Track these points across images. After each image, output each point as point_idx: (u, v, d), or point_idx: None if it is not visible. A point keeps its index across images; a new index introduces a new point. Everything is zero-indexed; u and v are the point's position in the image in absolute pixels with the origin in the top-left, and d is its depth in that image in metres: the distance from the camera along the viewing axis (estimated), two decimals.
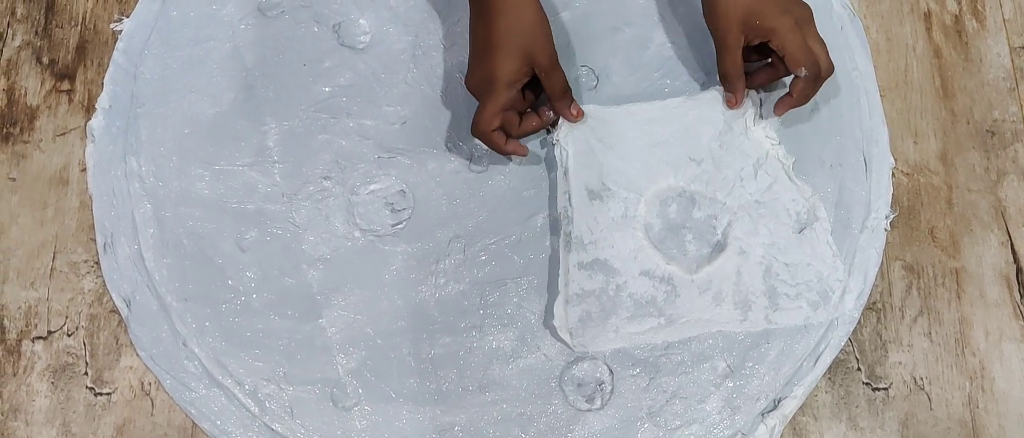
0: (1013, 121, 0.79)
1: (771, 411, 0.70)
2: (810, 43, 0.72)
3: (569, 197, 0.74)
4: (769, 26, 0.71)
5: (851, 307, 0.73)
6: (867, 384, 0.72)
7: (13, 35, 0.81)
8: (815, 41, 0.72)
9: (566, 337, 0.71)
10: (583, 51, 0.79)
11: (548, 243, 0.74)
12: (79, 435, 0.70)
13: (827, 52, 0.73)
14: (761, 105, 0.77)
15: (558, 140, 0.75)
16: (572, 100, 0.75)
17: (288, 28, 0.80)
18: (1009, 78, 0.81)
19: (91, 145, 0.77)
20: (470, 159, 0.76)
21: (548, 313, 0.71)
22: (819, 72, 0.72)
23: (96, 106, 0.78)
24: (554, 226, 0.74)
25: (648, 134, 0.76)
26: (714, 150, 0.76)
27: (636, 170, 0.75)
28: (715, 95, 0.77)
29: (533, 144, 0.76)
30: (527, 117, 0.74)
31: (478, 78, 0.71)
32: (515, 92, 0.71)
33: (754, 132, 0.76)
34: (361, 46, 0.79)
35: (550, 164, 0.76)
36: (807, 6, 0.73)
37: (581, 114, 0.75)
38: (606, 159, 0.75)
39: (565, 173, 0.74)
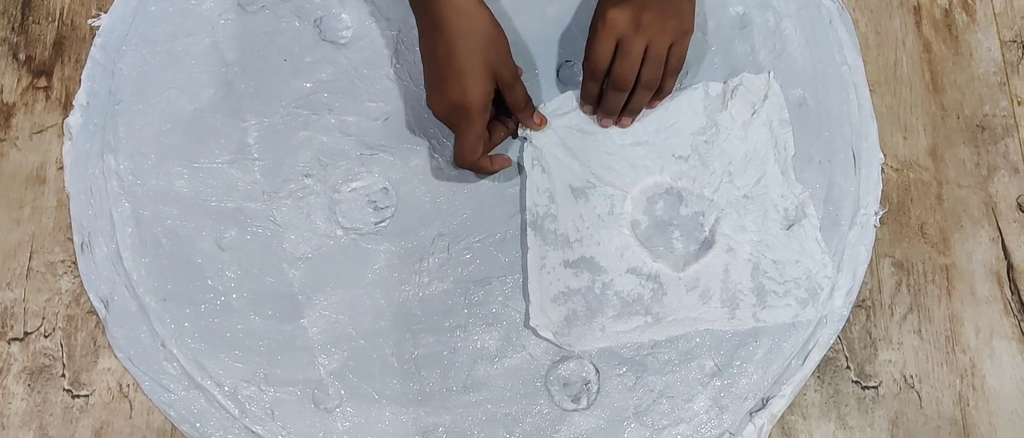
0: (1003, 116, 0.79)
1: (759, 410, 0.69)
2: (599, 46, 0.70)
3: (551, 195, 0.73)
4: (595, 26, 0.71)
5: (840, 304, 0.72)
6: (856, 382, 0.71)
7: None
8: (625, 51, 0.70)
9: (550, 337, 0.70)
10: (570, 45, 0.78)
11: None
12: None
13: (628, 67, 0.70)
14: (733, 94, 0.76)
15: (531, 140, 0.74)
16: (534, 109, 0.74)
17: (268, 23, 0.78)
18: (999, 72, 0.80)
19: (68, 143, 0.75)
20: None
21: (528, 316, 0.70)
22: (593, 74, 0.72)
23: (73, 103, 0.76)
24: (533, 226, 0.73)
25: (630, 133, 0.75)
26: (700, 146, 0.75)
27: (621, 167, 0.74)
28: (698, 91, 0.76)
29: (513, 144, 0.75)
30: (494, 128, 0.73)
31: (447, 104, 0.68)
32: (488, 113, 0.69)
33: (760, 116, 0.75)
34: (343, 41, 0.78)
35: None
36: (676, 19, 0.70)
37: (544, 122, 0.74)
38: (588, 156, 0.74)
39: (544, 171, 0.73)
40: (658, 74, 0.72)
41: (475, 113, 0.67)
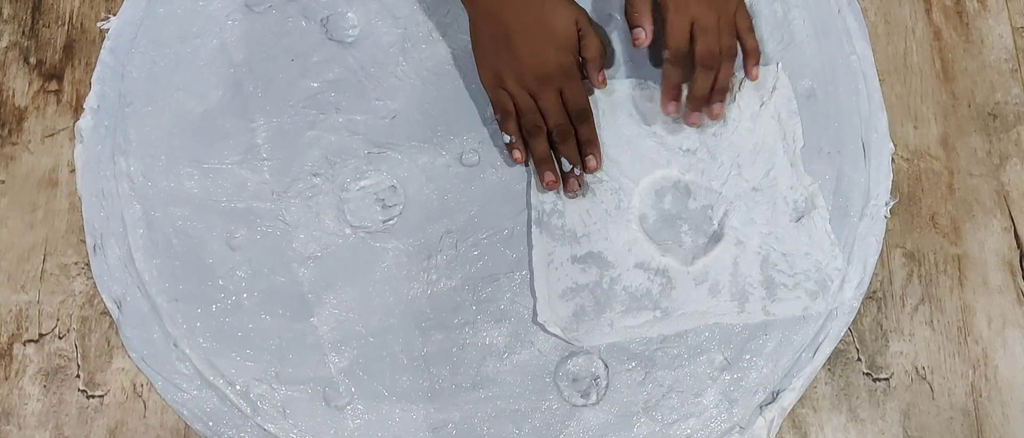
0: (1016, 103, 0.78)
1: (769, 404, 0.69)
2: (677, 29, 0.71)
3: (557, 190, 0.73)
4: None
5: (850, 296, 0.71)
6: (868, 375, 0.71)
7: (0, 36, 0.80)
8: (704, 26, 0.71)
9: (558, 332, 0.70)
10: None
11: None
12: None
13: (713, 43, 0.71)
14: (741, 86, 0.76)
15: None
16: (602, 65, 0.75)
17: (276, 23, 0.79)
18: (1011, 59, 0.79)
19: (80, 146, 0.76)
20: (461, 153, 0.75)
21: (536, 312, 0.70)
22: (679, 55, 0.72)
23: (84, 106, 0.77)
24: (538, 222, 0.73)
25: (637, 125, 0.75)
26: (707, 138, 0.74)
27: (628, 160, 0.74)
28: None
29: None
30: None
31: (555, 65, 0.71)
32: None
33: (769, 108, 0.75)
34: (350, 40, 0.78)
35: None
36: None
37: (605, 82, 0.75)
38: None
39: None
40: (734, 40, 0.73)
41: (576, 68, 0.72)
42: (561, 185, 0.72)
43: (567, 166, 0.72)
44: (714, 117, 0.74)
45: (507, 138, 0.73)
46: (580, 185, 0.72)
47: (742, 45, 0.74)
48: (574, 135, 0.72)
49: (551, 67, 0.71)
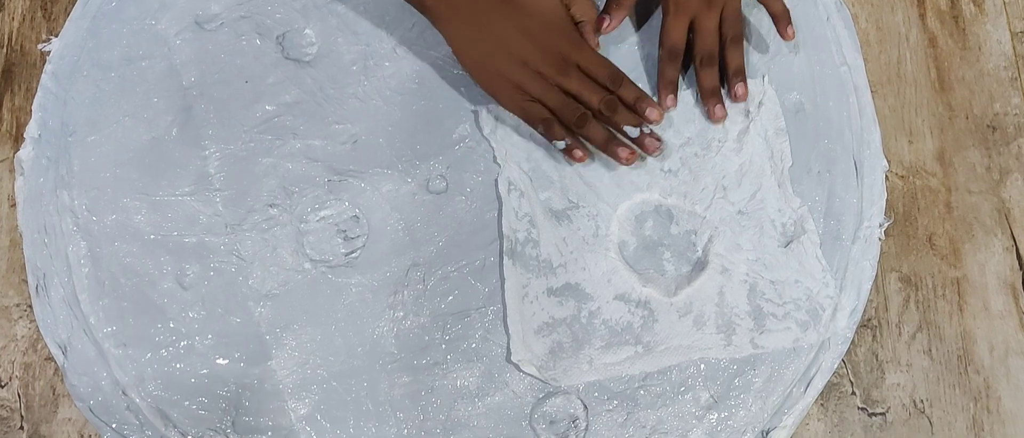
0: (1016, 114, 0.73)
1: None
2: (674, 29, 0.70)
3: (531, 219, 0.68)
4: None
5: (844, 326, 0.67)
6: (863, 409, 0.67)
7: None
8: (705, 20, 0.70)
9: (534, 372, 0.65)
10: None
11: None
12: None
13: (675, 34, 0.70)
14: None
15: (505, 163, 0.70)
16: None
17: (228, 42, 0.74)
18: (1011, 67, 0.75)
19: (20, 178, 0.71)
20: (428, 179, 0.70)
21: (511, 350, 0.66)
22: (673, 54, 0.70)
23: (24, 136, 0.72)
24: (511, 253, 0.68)
25: None
26: (690, 159, 0.70)
27: (605, 184, 0.69)
28: (687, 100, 0.71)
29: (491, 167, 0.70)
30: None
31: (563, 45, 0.68)
32: None
33: (755, 125, 0.71)
34: (308, 58, 0.74)
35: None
36: None
37: (602, 34, 0.71)
38: (568, 175, 0.69)
39: (522, 195, 0.69)
40: (739, 27, 0.71)
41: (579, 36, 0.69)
42: (638, 152, 0.69)
43: (634, 132, 0.68)
44: (739, 99, 0.70)
45: (560, 143, 0.68)
46: (660, 141, 0.69)
47: (768, 10, 0.71)
48: (619, 100, 0.68)
49: (563, 50, 0.68)
